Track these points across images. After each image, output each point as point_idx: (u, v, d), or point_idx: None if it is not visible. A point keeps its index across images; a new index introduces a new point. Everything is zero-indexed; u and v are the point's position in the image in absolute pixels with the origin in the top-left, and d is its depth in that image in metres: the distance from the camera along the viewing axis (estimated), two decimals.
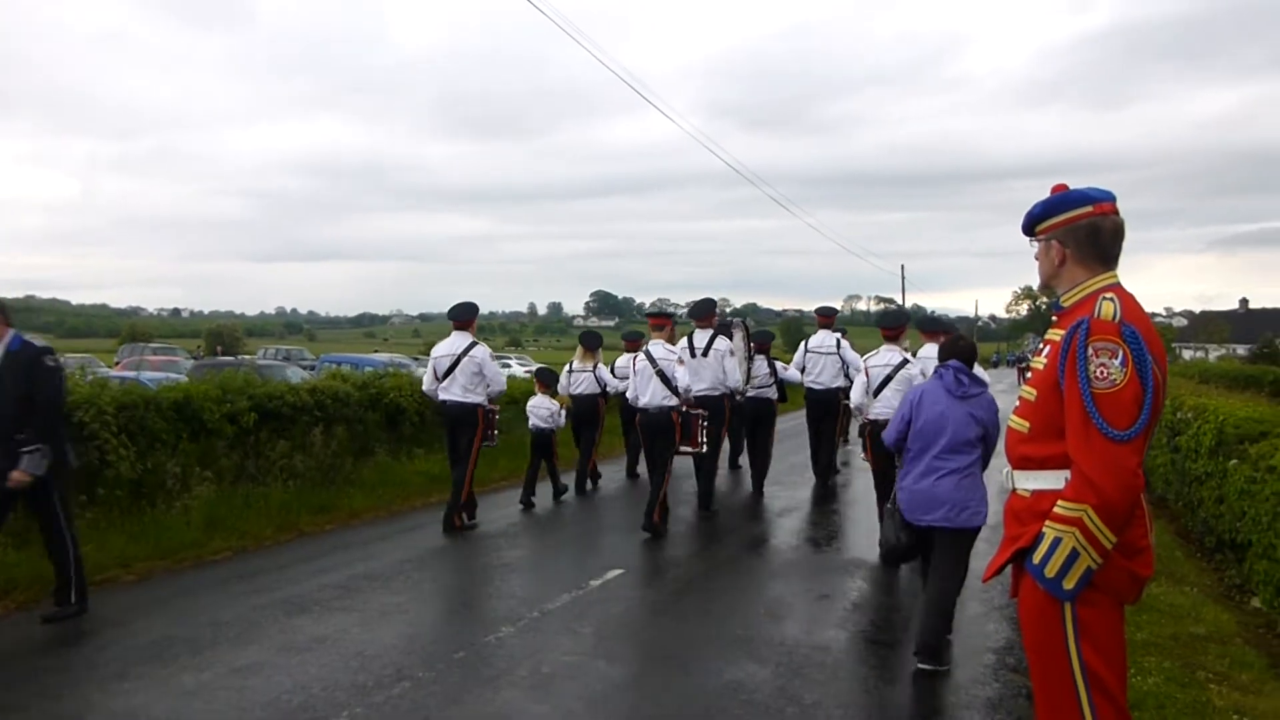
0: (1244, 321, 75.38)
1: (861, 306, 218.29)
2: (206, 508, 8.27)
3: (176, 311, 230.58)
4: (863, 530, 8.98)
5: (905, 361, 7.88)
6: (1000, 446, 3.65)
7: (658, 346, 8.80)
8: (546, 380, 11.10)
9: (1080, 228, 2.92)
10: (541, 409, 10.80)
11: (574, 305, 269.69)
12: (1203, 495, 8.56)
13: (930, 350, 8.33)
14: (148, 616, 5.92)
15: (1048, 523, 2.74)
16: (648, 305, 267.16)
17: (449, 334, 9.00)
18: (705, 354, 9.46)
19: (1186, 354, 64.81)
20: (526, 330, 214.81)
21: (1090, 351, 2.69)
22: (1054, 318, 2.99)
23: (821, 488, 11.32)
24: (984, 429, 5.33)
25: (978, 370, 5.77)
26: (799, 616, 6.07)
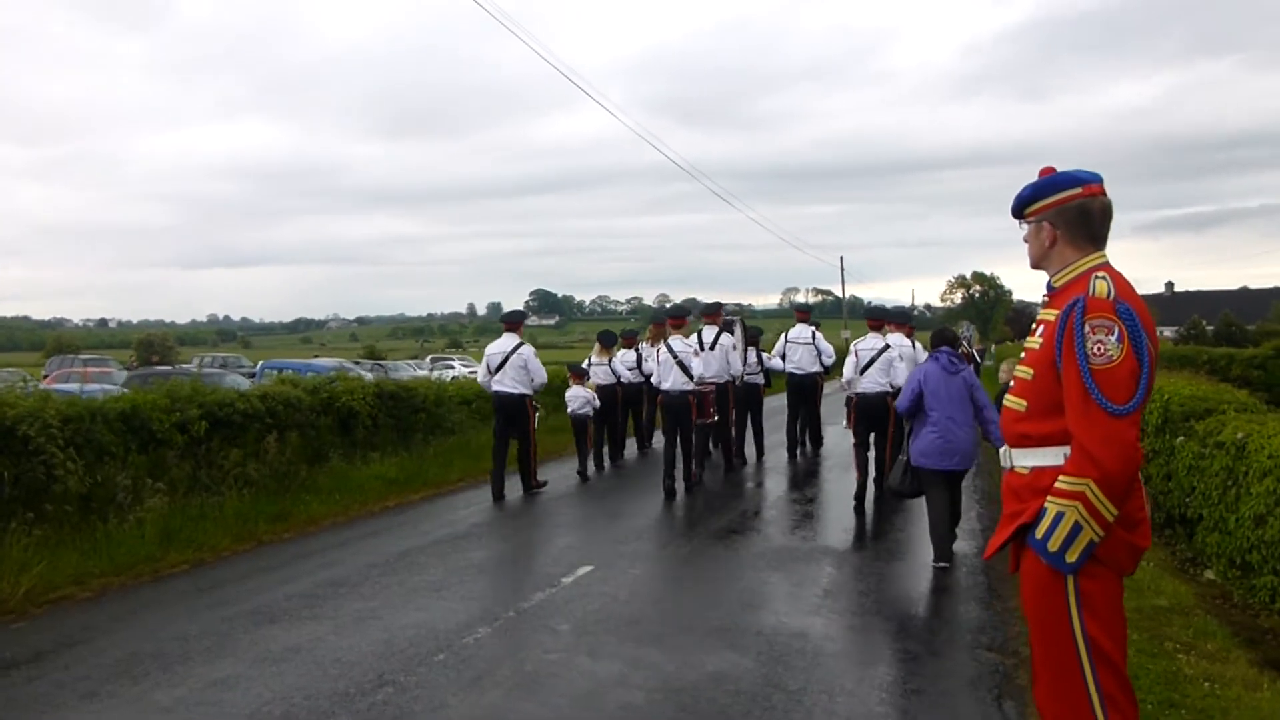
0: (1170, 304, 77.73)
1: (800, 298, 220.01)
2: (160, 520, 8.06)
3: (104, 322, 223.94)
4: (831, 518, 9.09)
5: (887, 346, 9.83)
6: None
7: (677, 340, 10.65)
8: (579, 372, 12.76)
9: (1070, 209, 2.99)
10: (578, 398, 12.39)
11: (514, 304, 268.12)
12: (1150, 472, 8.80)
13: (896, 338, 10.31)
14: (110, 634, 5.76)
15: (1049, 498, 2.80)
16: (588, 302, 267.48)
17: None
18: (713, 348, 11.46)
19: None
20: (467, 331, 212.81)
21: (1087, 329, 2.76)
22: (1045, 298, 3.05)
23: (801, 460, 12.85)
24: (971, 390, 7.31)
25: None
26: (775, 605, 6.12)
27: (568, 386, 12.85)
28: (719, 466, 12.18)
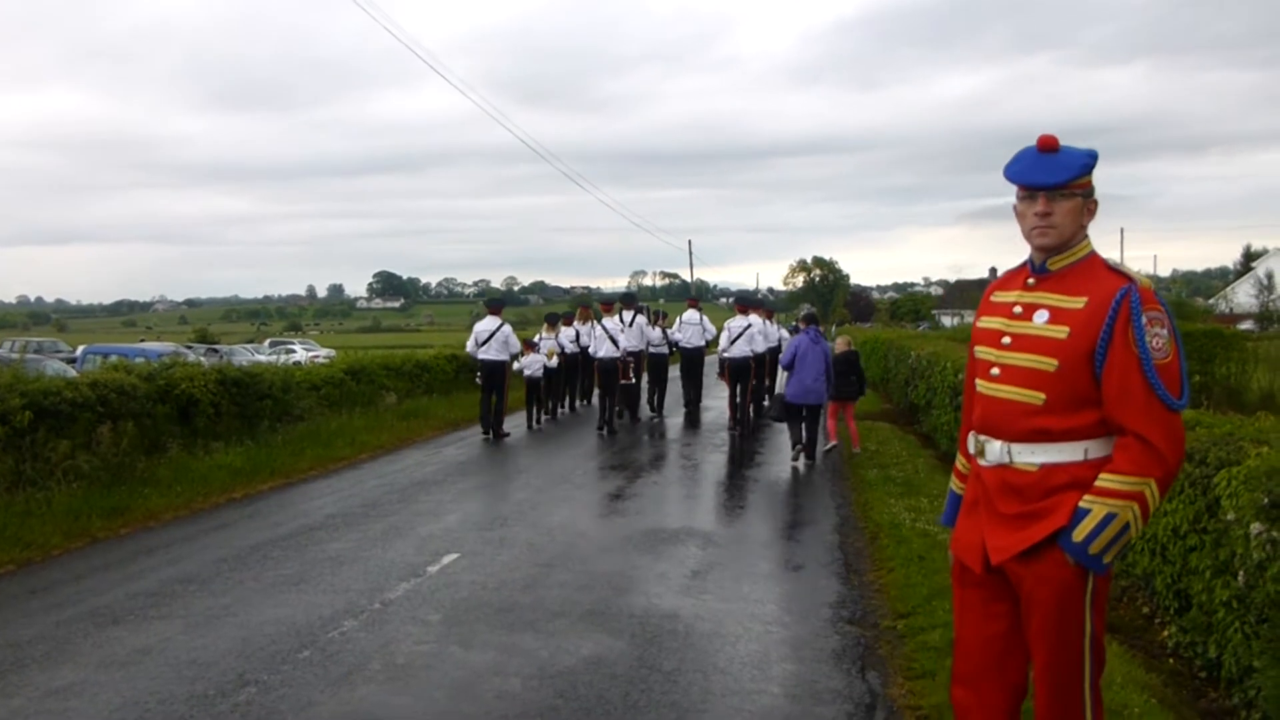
0: None
1: (648, 281, 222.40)
2: None
3: None
4: (701, 500, 9.26)
5: (750, 325, 14.11)
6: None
7: (608, 320, 15.12)
8: (532, 344, 15.55)
9: (1093, 189, 2.86)
10: (534, 363, 15.21)
11: (356, 287, 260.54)
12: None
13: (754, 318, 14.46)
14: None
15: (1092, 498, 2.66)
16: (434, 284, 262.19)
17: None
18: (631, 325, 15.69)
19: (946, 320, 70.13)
20: (307, 313, 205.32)
21: (1144, 320, 2.64)
22: (1031, 280, 2.90)
23: (690, 422, 15.64)
24: (826, 358, 11.31)
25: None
26: (644, 588, 6.19)
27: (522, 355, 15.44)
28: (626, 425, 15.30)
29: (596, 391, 16.13)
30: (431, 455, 12.35)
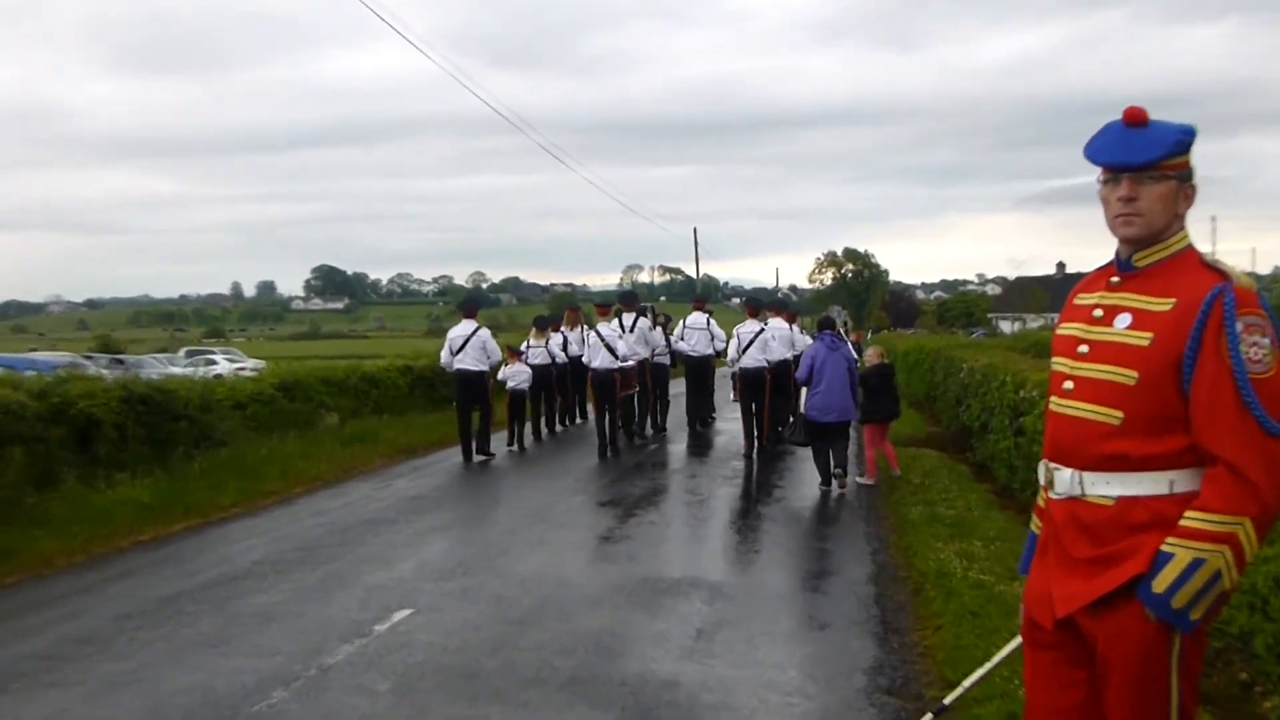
0: (1062, 287, 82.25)
1: (644, 278, 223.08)
2: None
3: None
4: (708, 543, 9.27)
5: (762, 329, 14.68)
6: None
7: (604, 326, 15.19)
8: (516, 352, 16.51)
9: (1191, 171, 2.83)
10: (518, 374, 16.00)
11: (291, 284, 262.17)
12: None
13: (777, 323, 15.41)
14: None
15: (1179, 540, 2.63)
16: (385, 281, 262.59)
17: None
18: (632, 330, 16.04)
19: (1004, 326, 70.39)
20: (231, 316, 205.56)
21: (1240, 327, 2.62)
22: (1116, 278, 2.91)
23: (695, 438, 16.65)
24: (849, 364, 11.65)
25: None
26: (638, 651, 6.19)
27: (505, 364, 16.22)
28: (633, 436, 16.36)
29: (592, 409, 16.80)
30: (381, 488, 12.37)
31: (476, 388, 14.60)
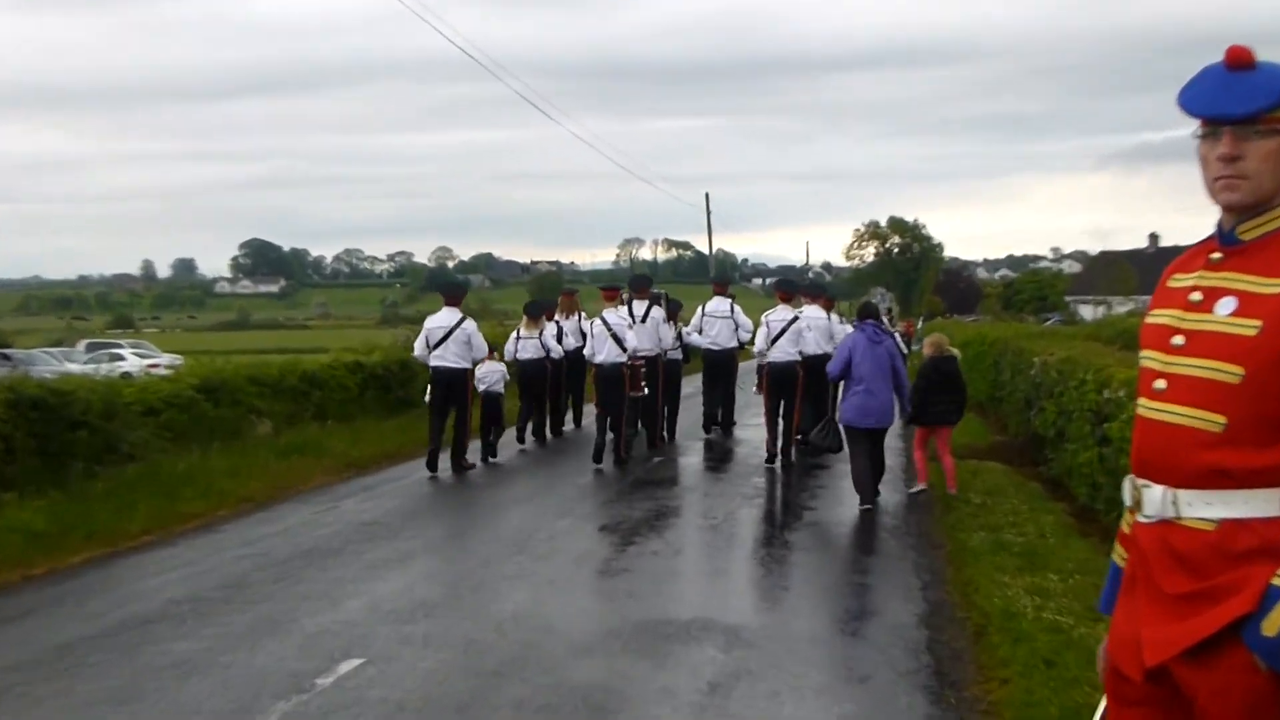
0: (1154, 264, 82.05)
1: (645, 254, 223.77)
2: None
3: None
4: (725, 576, 9.26)
5: (796, 318, 15.08)
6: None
7: (610, 313, 15.52)
8: (494, 348, 16.57)
9: None
10: (493, 373, 16.40)
11: (216, 262, 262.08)
12: None
13: (812, 310, 16.42)
14: None
15: None
16: (330, 259, 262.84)
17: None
18: (644, 321, 16.41)
19: (1085, 311, 70.38)
20: (143, 302, 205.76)
21: None
22: (1217, 254, 2.89)
23: (710, 448, 16.98)
24: (893, 360, 11.91)
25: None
26: (638, 709, 6.20)
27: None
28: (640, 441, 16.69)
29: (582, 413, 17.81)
30: (325, 511, 12.36)
31: (456, 388, 14.84)
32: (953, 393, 12.50)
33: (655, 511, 12.14)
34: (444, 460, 14.73)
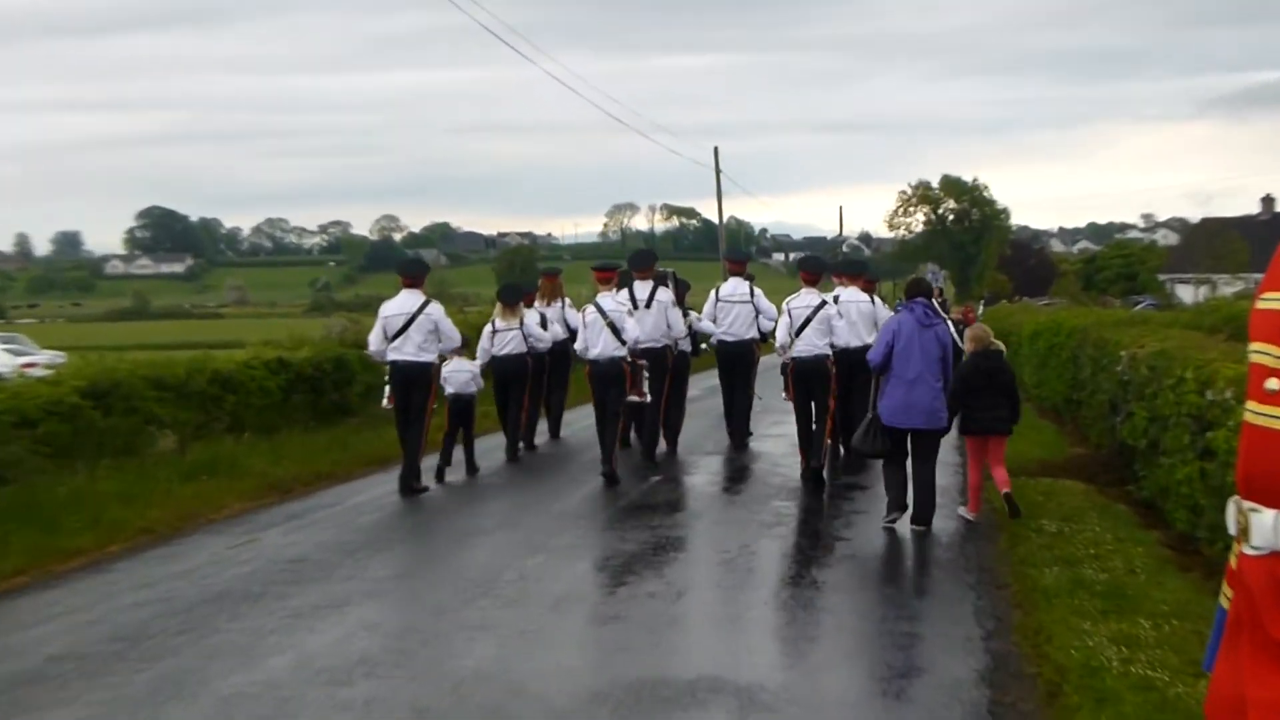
0: (1269, 234, 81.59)
1: (639, 224, 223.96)
2: None
3: None
4: (739, 625, 9.27)
5: (824, 303, 15.14)
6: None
7: (606, 298, 15.55)
8: (464, 342, 16.47)
9: None
10: (461, 373, 16.51)
11: (106, 236, 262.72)
12: None
13: (850, 293, 16.64)
14: None
15: None
16: (247, 232, 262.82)
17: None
18: (648, 306, 16.60)
19: (1184, 292, 70.33)
20: (15, 286, 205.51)
21: None
22: None
23: (729, 472, 16.77)
24: (944, 349, 12.18)
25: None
26: None
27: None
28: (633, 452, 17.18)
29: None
30: (242, 546, 12.32)
31: (418, 387, 15.05)
32: (998, 396, 12.55)
33: (653, 544, 12.14)
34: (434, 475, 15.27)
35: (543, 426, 19.52)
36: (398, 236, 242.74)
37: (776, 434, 17.16)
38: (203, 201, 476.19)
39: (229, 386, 18.38)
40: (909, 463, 12.10)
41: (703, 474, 16.12)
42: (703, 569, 11.09)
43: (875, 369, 12.54)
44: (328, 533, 13.00)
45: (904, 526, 11.91)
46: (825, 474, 15.04)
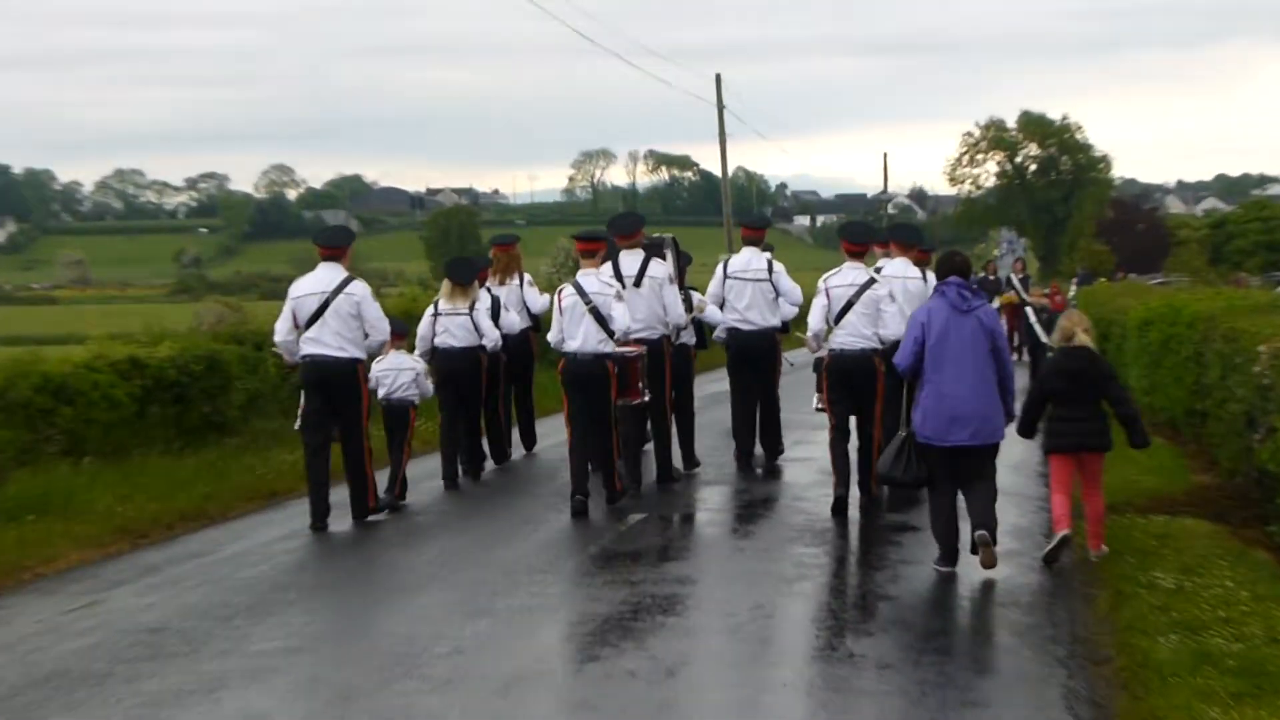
0: None
1: (616, 177, 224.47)
2: None
3: None
4: (756, 708, 9.29)
5: (871, 280, 15.39)
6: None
7: (589, 278, 15.84)
8: (401, 331, 16.97)
9: None
10: (401, 372, 16.83)
11: None
12: None
13: (899, 266, 16.93)
14: None
15: None
16: (90, 188, 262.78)
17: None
18: (638, 284, 16.73)
19: None
20: None
21: None
22: None
23: (744, 498, 16.97)
24: (993, 339, 12.33)
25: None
26: None
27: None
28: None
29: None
30: (81, 610, 12.30)
31: (340, 392, 15.26)
32: (1086, 403, 12.61)
33: (634, 604, 12.10)
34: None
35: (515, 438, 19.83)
36: (292, 195, 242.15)
37: (801, 456, 17.17)
38: (29, 148, 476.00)
39: (63, 396, 18.28)
40: (959, 494, 12.15)
41: (702, 509, 16.18)
42: (701, 639, 11.04)
43: (905, 374, 12.75)
44: (196, 593, 12.97)
45: (973, 573, 11.90)
46: (877, 494, 15.31)
